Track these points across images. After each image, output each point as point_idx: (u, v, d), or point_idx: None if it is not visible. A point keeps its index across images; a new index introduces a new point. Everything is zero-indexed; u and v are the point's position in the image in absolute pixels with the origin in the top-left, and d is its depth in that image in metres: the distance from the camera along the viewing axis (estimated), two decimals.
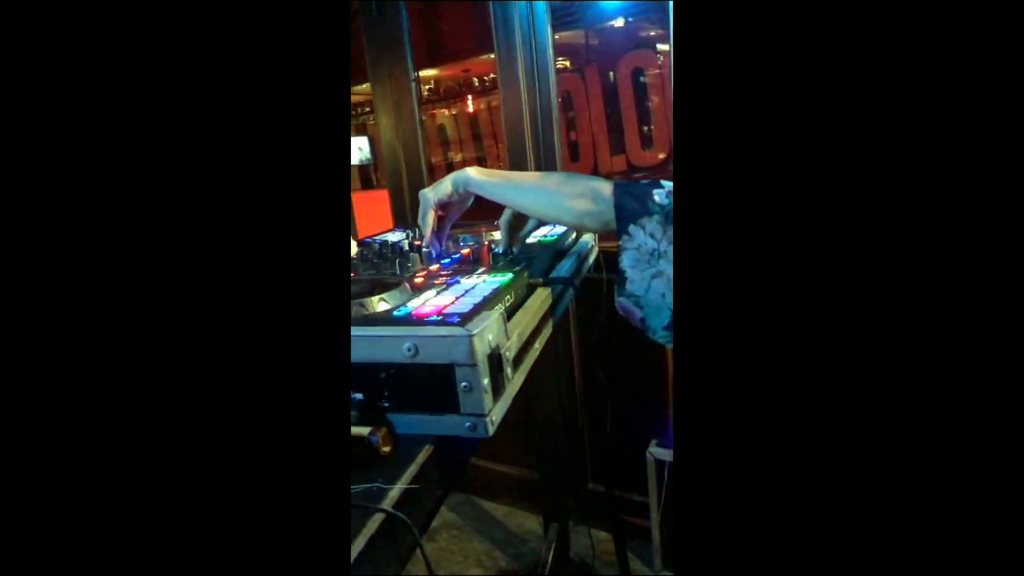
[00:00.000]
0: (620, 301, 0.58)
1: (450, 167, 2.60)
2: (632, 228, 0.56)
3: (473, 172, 0.72)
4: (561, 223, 0.74)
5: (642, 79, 1.97)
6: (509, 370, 0.52)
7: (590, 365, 1.72)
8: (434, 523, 1.88)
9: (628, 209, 0.57)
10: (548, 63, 1.65)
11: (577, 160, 2.20)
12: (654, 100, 1.96)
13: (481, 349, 0.46)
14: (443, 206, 0.76)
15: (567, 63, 2.27)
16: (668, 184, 0.57)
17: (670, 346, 0.58)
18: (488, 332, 0.47)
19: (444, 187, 0.73)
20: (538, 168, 1.73)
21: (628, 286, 0.57)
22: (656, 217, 0.55)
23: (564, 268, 0.85)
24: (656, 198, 0.56)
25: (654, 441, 1.54)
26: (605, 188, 0.60)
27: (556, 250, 0.90)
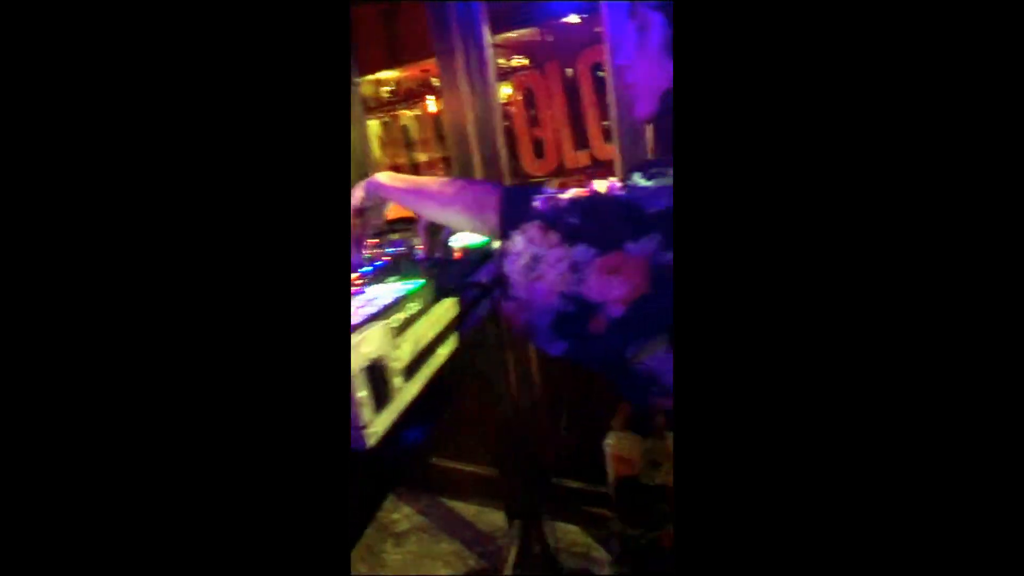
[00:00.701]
0: (505, 306, 0.58)
1: (415, 168, 2.59)
2: (515, 234, 0.56)
3: (383, 178, 0.71)
4: (461, 229, 0.75)
5: (600, 74, 1.97)
6: (398, 380, 0.52)
7: (543, 364, 1.73)
8: (404, 527, 1.89)
9: (511, 216, 0.57)
10: (488, 65, 1.64)
11: (542, 157, 2.20)
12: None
13: (356, 363, 0.46)
14: (358, 213, 0.75)
15: (525, 61, 2.27)
16: (549, 189, 0.58)
17: (551, 348, 0.57)
18: (366, 345, 0.48)
19: (356, 194, 0.73)
20: (484, 171, 1.71)
21: (512, 291, 0.57)
22: (537, 222, 0.55)
23: (487, 272, 0.85)
24: (536, 203, 0.56)
25: (610, 432, 1.55)
26: (492, 194, 0.61)
27: (484, 253, 0.90)
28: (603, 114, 1.86)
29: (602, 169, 2.10)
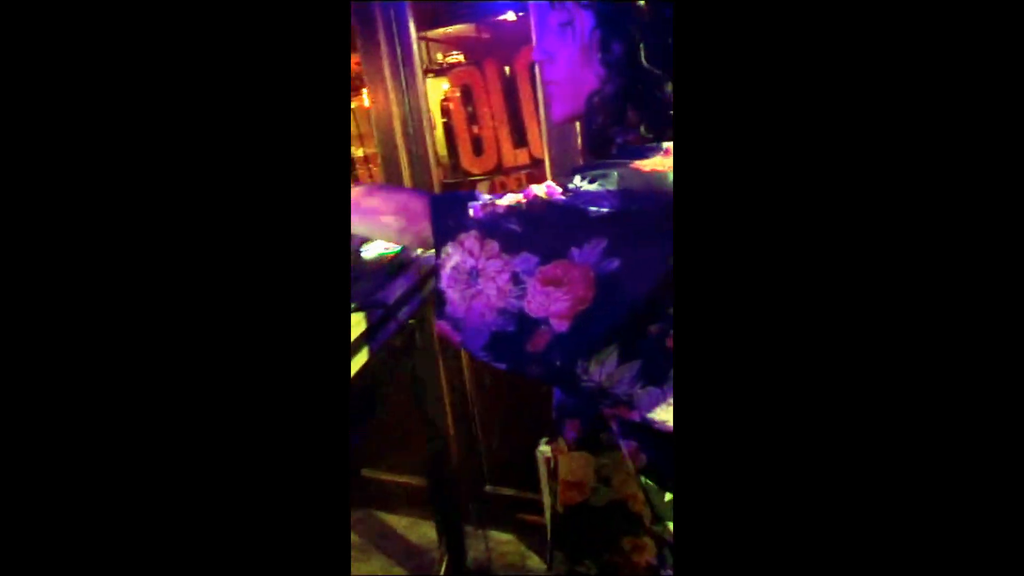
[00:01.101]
0: (439, 324, 0.54)
1: (351, 163, 2.49)
2: (450, 246, 0.52)
3: None
4: (388, 241, 0.71)
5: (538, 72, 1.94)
6: None
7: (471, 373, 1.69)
8: None
9: (444, 226, 0.53)
10: (414, 60, 1.57)
11: (481, 154, 2.16)
12: None
13: None
14: None
15: (461, 57, 2.22)
16: (483, 196, 0.54)
17: (492, 365, 0.54)
18: None
19: None
20: (412, 174, 1.66)
21: (447, 308, 0.53)
22: (473, 232, 0.51)
23: (397, 287, 0.79)
24: (472, 212, 0.52)
25: (543, 439, 1.52)
26: (420, 204, 0.56)
27: (398, 264, 0.84)
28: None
29: (540, 167, 2.08)
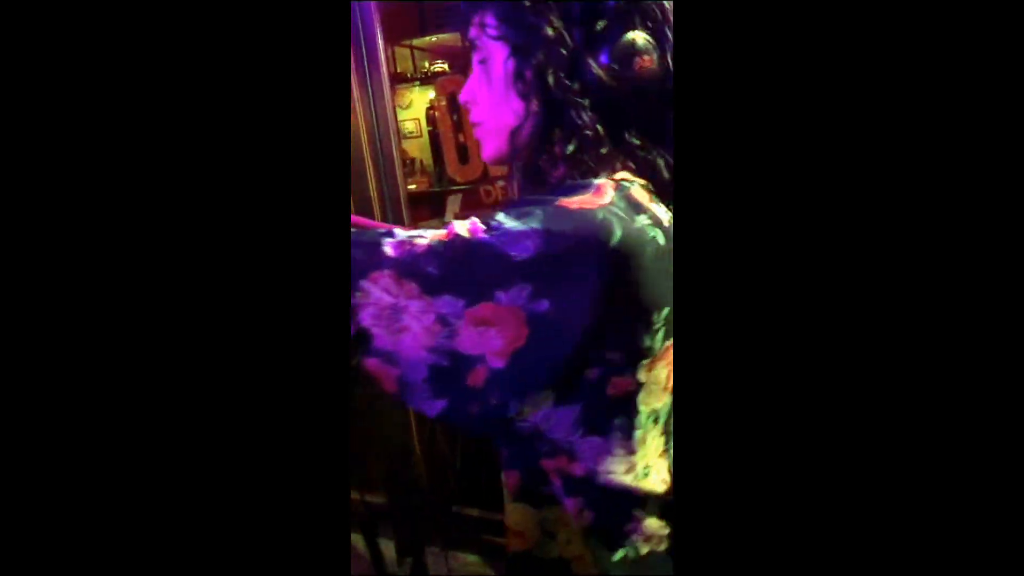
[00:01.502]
0: (368, 362, 0.50)
1: None
2: (365, 283, 0.48)
3: None
4: None
5: None
6: None
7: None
8: None
9: (357, 262, 0.48)
10: (381, 68, 1.55)
11: (466, 163, 2.14)
12: None
13: None
14: None
15: (447, 66, 2.21)
16: (401, 232, 0.50)
17: (428, 407, 0.50)
18: None
19: None
20: (378, 184, 1.64)
21: (374, 344, 0.48)
22: (387, 272, 0.47)
23: None
24: (387, 250, 0.48)
25: None
26: None
27: None
28: None
29: None
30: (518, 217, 0.46)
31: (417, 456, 1.69)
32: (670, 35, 0.51)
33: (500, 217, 0.47)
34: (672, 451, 0.54)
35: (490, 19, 0.54)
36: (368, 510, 1.73)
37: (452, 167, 2.16)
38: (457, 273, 0.47)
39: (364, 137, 1.58)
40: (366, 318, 0.48)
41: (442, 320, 0.46)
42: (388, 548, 1.75)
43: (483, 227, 0.47)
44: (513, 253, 0.45)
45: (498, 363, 0.46)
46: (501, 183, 2.03)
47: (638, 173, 0.52)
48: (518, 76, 0.53)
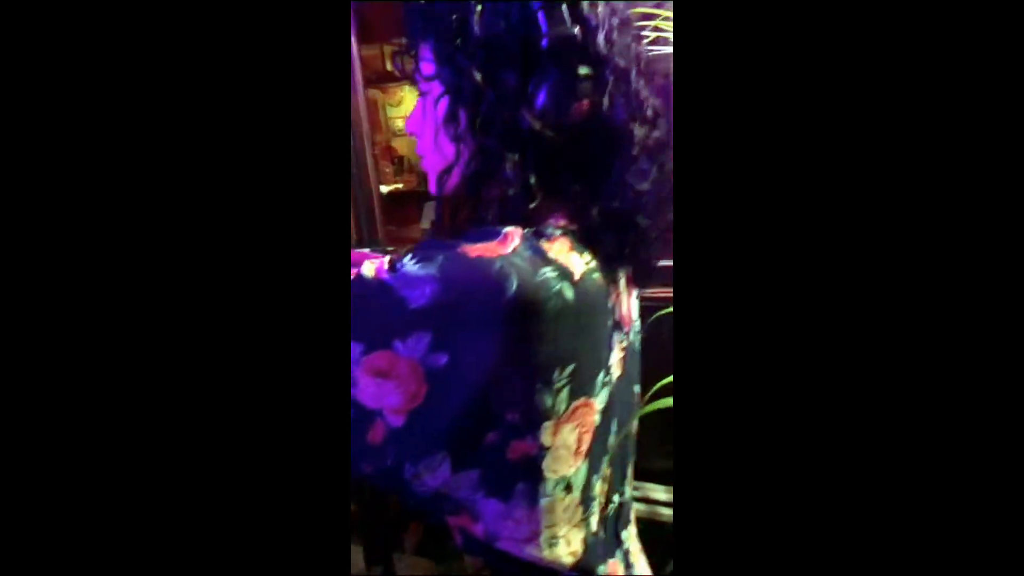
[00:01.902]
0: None
1: None
2: None
3: None
4: None
5: None
6: None
7: None
8: None
9: None
10: (356, 68, 1.53)
11: None
12: None
13: None
14: None
15: None
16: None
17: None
18: None
19: None
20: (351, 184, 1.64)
21: None
22: None
23: None
24: None
25: None
26: None
27: None
28: None
29: None
30: (418, 261, 0.44)
31: None
32: (613, 75, 0.47)
33: (406, 259, 0.45)
34: (591, 521, 0.52)
35: (427, 55, 0.51)
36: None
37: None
38: (356, 314, 0.44)
39: None
40: None
41: None
42: (356, 554, 1.77)
43: (386, 266, 0.45)
44: (410, 298, 0.43)
45: (396, 421, 0.44)
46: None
47: (571, 221, 0.49)
48: (449, 119, 0.50)
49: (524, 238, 0.45)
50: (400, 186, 2.54)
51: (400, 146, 2.62)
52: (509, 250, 0.44)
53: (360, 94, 1.59)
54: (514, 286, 0.42)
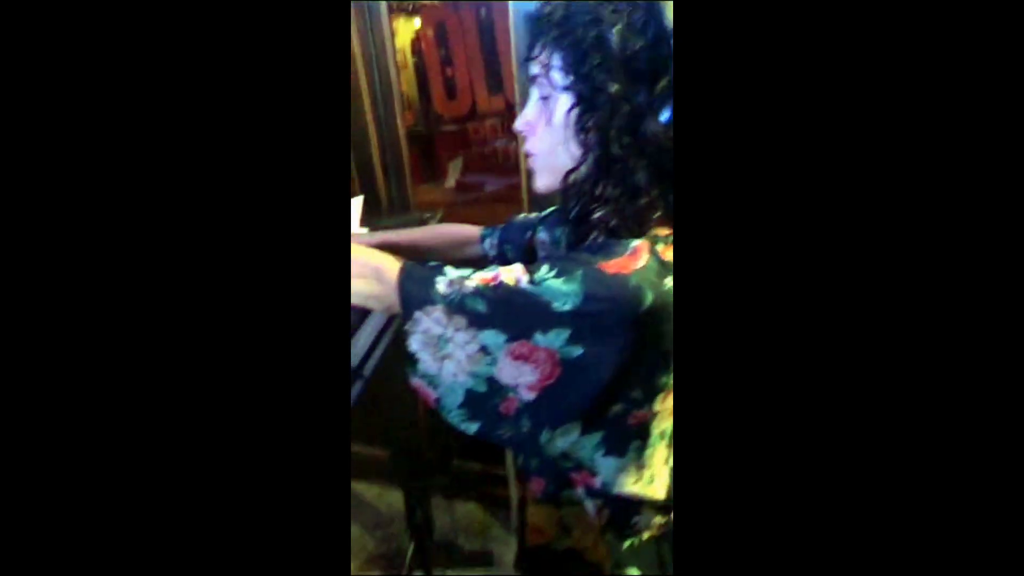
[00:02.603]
0: (414, 382, 0.57)
1: None
2: (417, 314, 0.54)
3: None
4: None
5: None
6: None
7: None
8: None
9: (411, 295, 0.55)
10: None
11: (454, 98, 1.93)
12: None
13: None
14: None
15: None
16: (451, 271, 0.55)
17: (464, 427, 0.57)
18: None
19: None
20: (375, 117, 1.50)
21: (420, 366, 0.55)
22: (440, 306, 0.53)
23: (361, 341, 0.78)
24: (439, 286, 0.54)
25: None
26: (390, 270, 0.57)
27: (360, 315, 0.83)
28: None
29: (515, 114, 1.88)
30: (559, 275, 0.50)
31: (420, 417, 1.62)
32: None
33: (544, 271, 0.52)
34: (670, 460, 0.63)
35: (558, 64, 0.54)
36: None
37: (439, 102, 1.96)
38: (502, 313, 0.51)
39: (361, 70, 1.41)
40: (414, 343, 0.54)
41: (484, 350, 0.52)
42: (397, 497, 1.72)
43: (527, 277, 0.52)
44: (553, 304, 0.50)
45: (529, 395, 0.52)
46: (490, 121, 1.91)
47: (670, 226, 0.56)
48: (581, 128, 0.54)
49: (650, 251, 0.52)
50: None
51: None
52: (641, 264, 0.50)
53: (385, 21, 1.43)
54: (649, 299, 0.49)
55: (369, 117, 1.47)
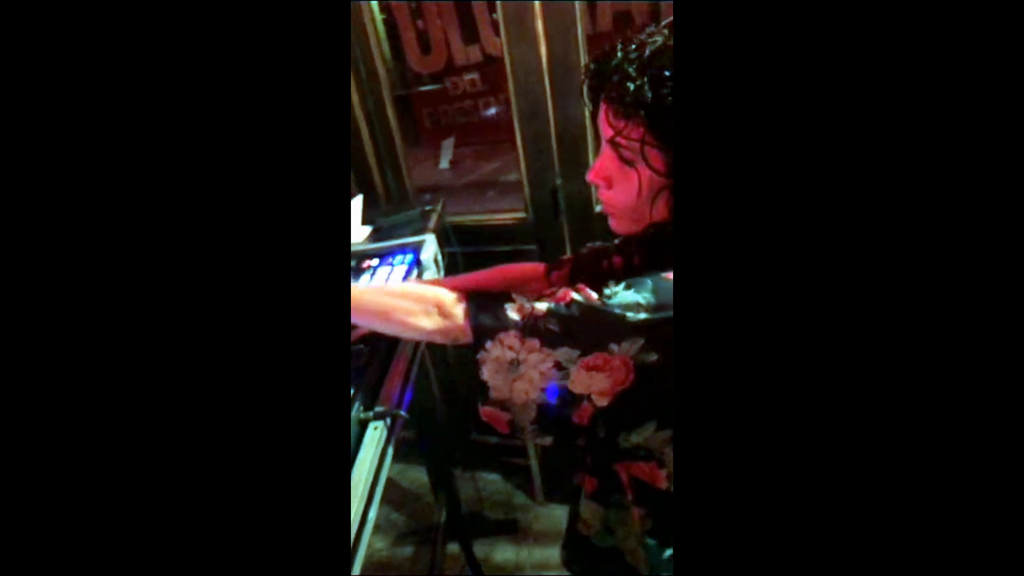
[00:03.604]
0: (484, 411, 0.57)
1: None
2: (490, 344, 0.55)
3: None
4: (405, 338, 0.73)
5: None
6: None
7: None
8: None
9: (484, 325, 0.56)
10: None
11: (428, 53, 1.80)
12: None
13: None
14: None
15: None
16: (518, 298, 0.57)
17: (539, 441, 0.58)
18: None
19: None
20: (359, 89, 1.42)
21: (491, 394, 0.56)
22: (512, 331, 0.54)
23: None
24: (510, 313, 0.55)
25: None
26: (455, 305, 0.58)
27: None
28: (491, 6, 1.57)
29: (496, 64, 1.80)
30: (629, 287, 0.53)
31: (435, 394, 1.60)
32: None
33: (611, 286, 0.54)
34: None
35: (649, 139, 0.53)
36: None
37: (414, 58, 1.83)
38: (577, 330, 0.53)
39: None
40: (485, 372, 0.55)
41: (559, 365, 0.53)
42: (418, 474, 1.75)
43: (595, 295, 0.54)
44: (629, 315, 0.52)
45: (602, 402, 0.53)
46: (469, 76, 1.82)
47: None
48: (663, 190, 0.55)
49: None
50: None
51: None
52: None
53: None
54: None
55: (359, 113, 1.40)
